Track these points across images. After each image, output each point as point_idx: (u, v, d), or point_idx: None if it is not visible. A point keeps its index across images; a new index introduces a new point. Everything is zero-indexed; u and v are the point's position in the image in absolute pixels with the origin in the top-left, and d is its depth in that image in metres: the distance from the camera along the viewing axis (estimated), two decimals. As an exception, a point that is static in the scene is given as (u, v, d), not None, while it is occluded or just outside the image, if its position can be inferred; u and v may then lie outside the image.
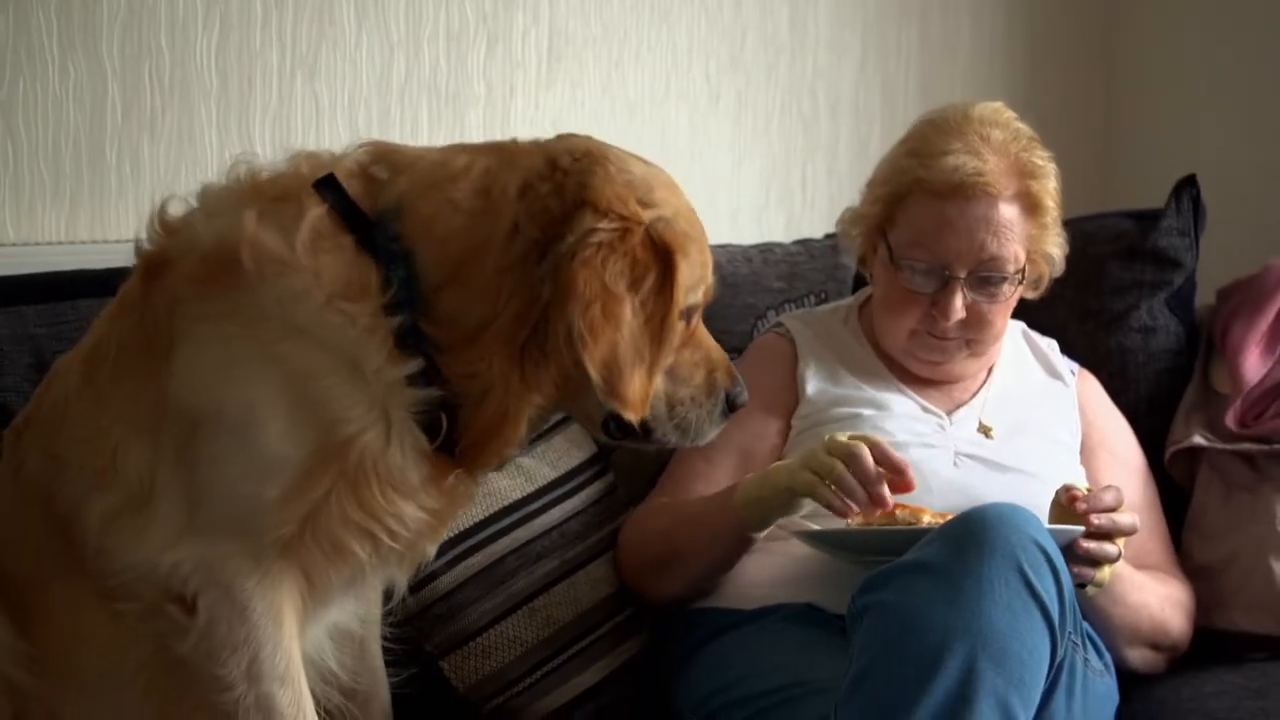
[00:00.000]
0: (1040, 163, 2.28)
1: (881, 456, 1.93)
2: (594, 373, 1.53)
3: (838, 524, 2.02)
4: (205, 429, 1.53)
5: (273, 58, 2.52)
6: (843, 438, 1.95)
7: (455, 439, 1.59)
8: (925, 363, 2.31)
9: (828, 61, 3.39)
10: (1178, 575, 2.28)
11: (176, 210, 1.67)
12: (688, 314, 1.65)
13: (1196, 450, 2.44)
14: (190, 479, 1.54)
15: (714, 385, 1.70)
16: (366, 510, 1.56)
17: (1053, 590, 1.74)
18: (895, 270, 2.27)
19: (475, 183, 1.58)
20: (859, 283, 2.79)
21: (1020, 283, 2.27)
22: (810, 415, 2.26)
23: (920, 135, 2.34)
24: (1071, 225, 2.43)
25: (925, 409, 2.29)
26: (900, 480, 1.94)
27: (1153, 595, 2.15)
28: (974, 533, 1.74)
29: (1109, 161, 3.71)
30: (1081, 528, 1.93)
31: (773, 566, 2.13)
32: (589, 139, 1.72)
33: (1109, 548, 1.95)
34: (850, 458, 1.91)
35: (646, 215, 1.58)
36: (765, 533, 2.09)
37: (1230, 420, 2.41)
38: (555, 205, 1.57)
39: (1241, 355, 2.46)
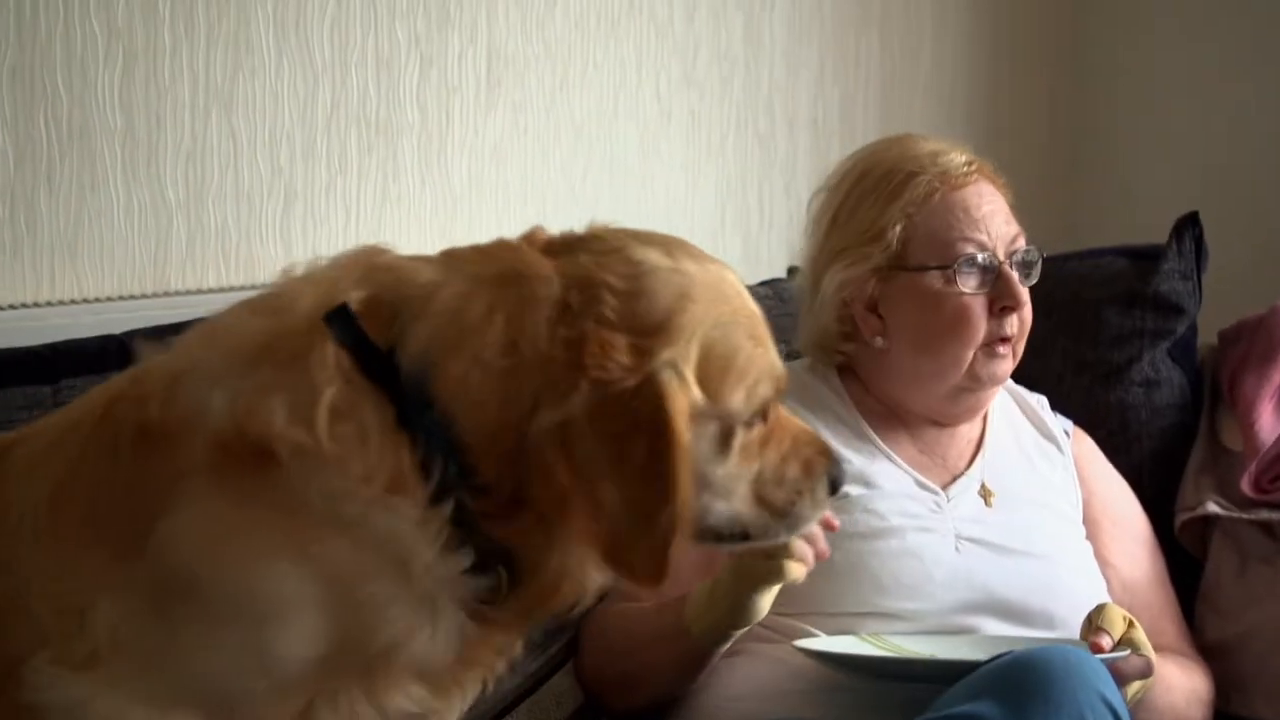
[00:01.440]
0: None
1: None
2: (588, 553, 1.37)
3: (854, 645, 1.81)
4: (205, 605, 1.34)
5: (184, 92, 2.27)
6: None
7: (506, 597, 1.41)
8: (976, 395, 2.11)
9: (784, 75, 3.20)
10: (1194, 659, 2.11)
11: (160, 360, 1.44)
12: (757, 417, 1.46)
13: (1210, 517, 2.25)
14: (164, 644, 1.34)
15: (812, 469, 1.52)
16: (379, 706, 1.38)
17: (1119, 750, 1.54)
18: (945, 283, 2.05)
19: (501, 334, 1.37)
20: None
21: None
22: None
23: (884, 177, 2.14)
24: (1058, 263, 2.25)
25: (920, 484, 2.07)
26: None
27: (1179, 695, 1.98)
28: (1035, 685, 1.55)
29: (1077, 178, 3.54)
30: (1127, 652, 1.74)
31: (758, 677, 1.91)
32: (617, 235, 1.48)
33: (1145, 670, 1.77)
34: None
35: (644, 370, 1.35)
36: (728, 645, 1.89)
37: (1245, 485, 2.23)
38: (557, 361, 1.36)
39: (1255, 413, 2.28)
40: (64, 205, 2.14)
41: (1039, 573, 2.00)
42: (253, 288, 2.35)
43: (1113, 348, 2.43)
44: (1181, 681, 1.99)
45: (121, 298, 2.24)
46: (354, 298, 1.40)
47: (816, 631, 1.91)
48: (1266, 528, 2.22)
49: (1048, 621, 1.96)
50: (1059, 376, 2.39)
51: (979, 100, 3.56)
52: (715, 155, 3.09)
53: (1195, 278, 2.45)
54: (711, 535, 1.48)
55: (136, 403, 1.39)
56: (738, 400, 1.42)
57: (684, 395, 1.36)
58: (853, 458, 2.07)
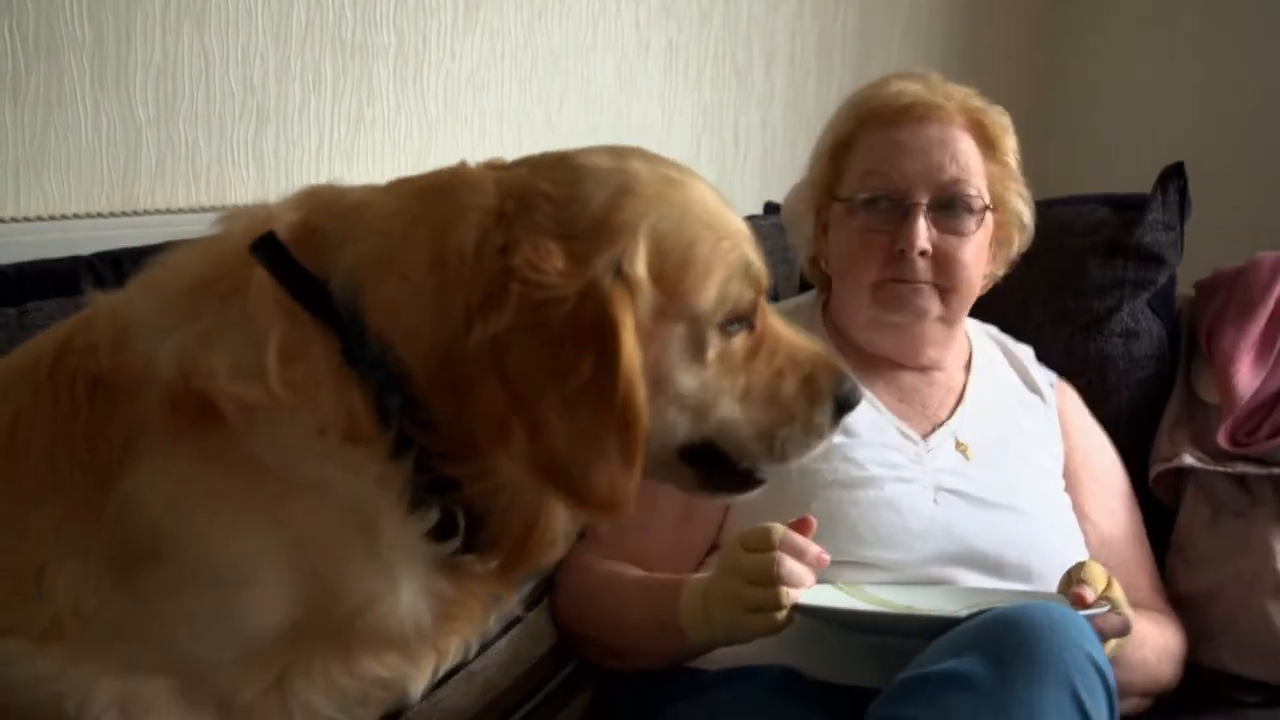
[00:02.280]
0: (988, 106, 2.16)
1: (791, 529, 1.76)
2: (521, 477, 1.24)
3: (831, 595, 1.79)
4: (171, 571, 1.26)
5: (155, 6, 2.19)
6: (742, 553, 1.74)
7: (483, 550, 1.32)
8: (896, 328, 2.09)
9: (763, 10, 3.16)
10: (1167, 614, 2.11)
11: (107, 306, 1.35)
12: (730, 324, 1.33)
13: (1183, 469, 2.25)
14: (131, 613, 1.27)
15: (815, 391, 1.38)
16: (354, 674, 1.31)
17: (1105, 715, 1.53)
18: (849, 216, 2.08)
19: (426, 249, 1.26)
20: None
21: (985, 220, 2.08)
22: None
23: (855, 92, 2.22)
24: (1040, 209, 2.23)
25: (901, 432, 2.05)
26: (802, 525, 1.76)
27: (1150, 651, 1.97)
28: (1021, 643, 1.52)
29: (1052, 124, 3.51)
30: (1107, 607, 1.73)
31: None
32: (557, 155, 1.38)
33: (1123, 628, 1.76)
34: (779, 549, 1.72)
35: (583, 276, 1.23)
36: None
37: (1221, 438, 2.22)
38: (489, 270, 1.24)
39: (1233, 366, 2.26)
40: (29, 119, 2.07)
41: (1017, 526, 1.99)
42: (223, 208, 2.31)
43: (1093, 297, 2.42)
44: (1154, 638, 1.99)
45: (89, 215, 2.17)
46: (284, 224, 1.30)
47: (793, 579, 1.88)
48: (1240, 481, 2.22)
49: (1024, 575, 1.95)
50: (1039, 324, 2.37)
51: (956, 42, 3.52)
52: (692, 87, 3.04)
53: (1178, 228, 2.44)
54: (687, 457, 1.35)
55: (89, 351, 1.31)
56: (706, 299, 1.29)
57: (629, 298, 1.24)
58: (832, 403, 2.06)
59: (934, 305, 2.07)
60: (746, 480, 1.40)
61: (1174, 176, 2.44)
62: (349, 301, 1.25)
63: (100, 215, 2.18)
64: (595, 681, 2.00)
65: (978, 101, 2.13)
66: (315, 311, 1.26)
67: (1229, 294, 2.40)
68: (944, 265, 2.05)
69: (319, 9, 2.40)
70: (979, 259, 2.08)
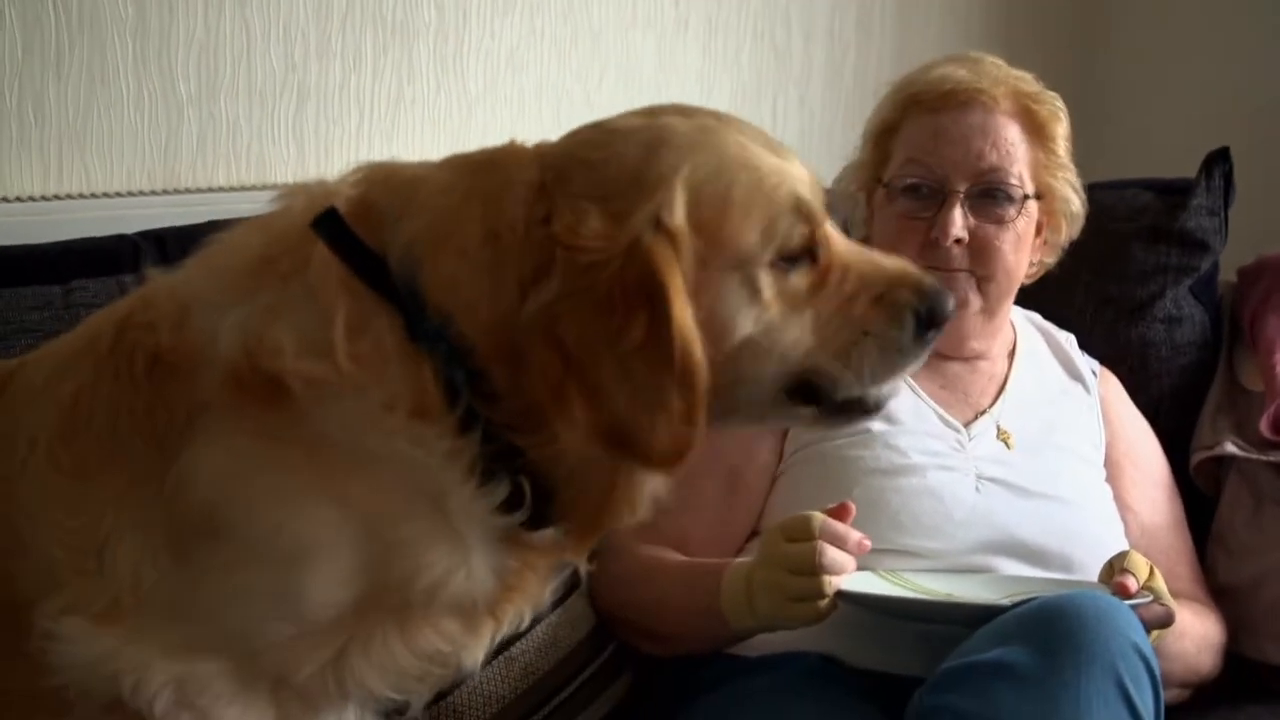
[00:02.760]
0: (1044, 96, 2.13)
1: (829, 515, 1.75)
2: (582, 444, 1.24)
3: (873, 582, 1.79)
4: (232, 548, 1.26)
5: (198, -17, 2.19)
6: (783, 542, 1.73)
7: (556, 518, 1.32)
8: None
9: (803, -15, 3.12)
10: (1208, 604, 2.09)
11: (166, 285, 1.35)
12: (784, 261, 1.30)
13: (1224, 457, 2.23)
14: (189, 591, 1.27)
15: (892, 307, 1.34)
16: (414, 650, 1.31)
17: (1150, 705, 1.52)
18: (890, 201, 2.08)
19: (480, 223, 1.26)
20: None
21: (1024, 210, 2.06)
22: (809, 430, 1.98)
23: (905, 74, 2.20)
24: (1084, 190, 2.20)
25: (943, 420, 2.04)
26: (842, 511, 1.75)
27: (1191, 642, 1.96)
28: (1067, 633, 1.52)
29: (1096, 105, 3.48)
30: (1150, 598, 1.72)
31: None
32: (593, 123, 1.37)
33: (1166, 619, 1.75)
34: (820, 538, 1.70)
35: (623, 235, 1.22)
36: None
37: (1264, 426, 2.20)
38: (536, 242, 1.25)
39: (1276, 354, 2.25)
40: (72, 96, 2.08)
41: (1058, 515, 1.98)
42: (264, 187, 2.32)
43: (1137, 283, 2.40)
44: (1195, 628, 1.98)
45: (130, 193, 2.18)
46: (343, 200, 1.30)
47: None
48: (1283, 470, 2.20)
49: (1065, 564, 1.94)
50: (1081, 310, 2.35)
51: (997, 19, 3.49)
52: (731, 66, 3.02)
53: (1222, 214, 2.42)
54: (796, 396, 1.33)
55: (148, 329, 1.31)
56: (749, 240, 1.27)
57: (673, 250, 1.23)
58: (875, 390, 2.05)
59: (972, 295, 2.06)
60: (857, 407, 1.36)
61: (1219, 161, 2.42)
62: (408, 277, 1.26)
63: (142, 194, 2.18)
64: (634, 666, 2.00)
65: (1029, 87, 2.11)
66: (377, 287, 1.26)
67: (1273, 280, 2.38)
68: (981, 253, 2.04)
69: (360, -14, 2.40)
70: (1020, 247, 2.07)
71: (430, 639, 1.31)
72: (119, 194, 2.16)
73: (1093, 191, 2.30)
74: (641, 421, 1.22)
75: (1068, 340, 2.24)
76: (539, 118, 2.69)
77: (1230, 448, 2.22)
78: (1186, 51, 3.43)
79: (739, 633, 1.84)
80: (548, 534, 1.31)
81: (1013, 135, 2.06)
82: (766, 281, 1.28)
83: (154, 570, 1.27)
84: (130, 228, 2.02)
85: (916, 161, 2.06)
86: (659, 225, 1.23)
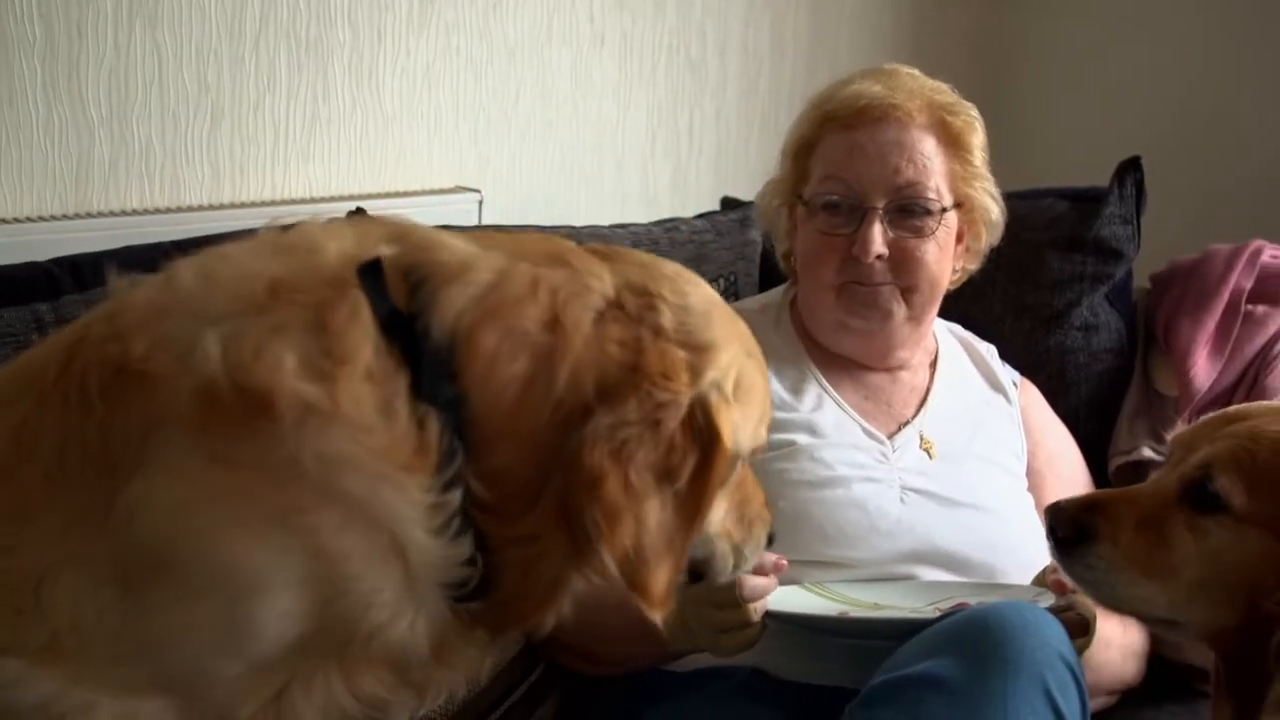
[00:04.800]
0: (959, 106, 2.13)
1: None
2: (612, 567, 1.29)
3: (799, 596, 1.79)
4: (183, 580, 1.23)
5: (106, 3, 2.17)
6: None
7: (489, 598, 1.34)
8: (861, 334, 2.09)
9: (716, -1, 3.13)
10: (1130, 610, 2.11)
11: (141, 295, 1.32)
12: (750, 457, 1.45)
13: (1142, 461, 2.26)
14: (135, 625, 1.24)
15: (760, 512, 1.52)
16: (356, 693, 1.31)
17: (1077, 711, 1.54)
18: (810, 217, 2.09)
19: (545, 311, 1.31)
20: (765, 260, 2.55)
21: (944, 221, 2.06)
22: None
23: (826, 87, 2.20)
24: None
25: (867, 432, 2.05)
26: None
27: (1116, 651, 1.98)
28: (994, 644, 1.53)
29: (1000, 115, 3.52)
30: (1068, 599, 1.74)
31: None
32: (650, 257, 1.45)
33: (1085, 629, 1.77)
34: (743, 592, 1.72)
35: (696, 388, 1.32)
36: None
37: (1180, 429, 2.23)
38: (613, 360, 1.31)
39: (1190, 358, 2.28)
40: (-20, 120, 2.05)
41: (981, 525, 1.99)
42: (178, 209, 2.30)
43: (1053, 292, 2.42)
44: (1119, 637, 2.00)
45: (41, 218, 2.15)
46: (385, 254, 1.32)
47: (761, 580, 1.88)
48: (1198, 474, 2.23)
49: (988, 573, 1.95)
50: (999, 319, 2.37)
51: (907, 33, 3.52)
52: (647, 81, 3.03)
53: (1135, 222, 2.45)
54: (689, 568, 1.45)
55: (113, 340, 1.27)
56: (756, 436, 1.42)
57: (730, 418, 1.33)
58: (799, 404, 2.06)
59: (896, 305, 2.07)
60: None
61: (1130, 170, 2.45)
62: (446, 342, 1.27)
63: (53, 218, 2.15)
64: (563, 686, 1.99)
65: (945, 98, 2.12)
66: (399, 344, 1.27)
67: (1185, 286, 2.42)
68: (903, 266, 2.05)
69: (273, 5, 2.38)
70: (942, 256, 2.08)
71: (371, 684, 1.31)
72: (29, 219, 2.13)
73: (1008, 201, 2.32)
74: (662, 561, 1.31)
75: (989, 351, 2.26)
76: (456, 135, 2.68)
77: (1147, 452, 2.25)
78: (1097, 63, 3.47)
79: (681, 652, 1.84)
80: (472, 607, 1.33)
81: (928, 148, 2.07)
82: (738, 472, 1.43)
83: (96, 605, 1.23)
84: (42, 254, 1.98)
85: (834, 179, 2.06)
86: (719, 388, 1.34)
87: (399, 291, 1.29)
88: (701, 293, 1.41)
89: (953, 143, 2.10)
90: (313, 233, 1.35)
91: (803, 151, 2.14)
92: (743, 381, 1.38)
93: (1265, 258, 2.41)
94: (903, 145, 2.05)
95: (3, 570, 1.24)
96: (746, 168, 3.20)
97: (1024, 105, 3.53)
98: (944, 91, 2.14)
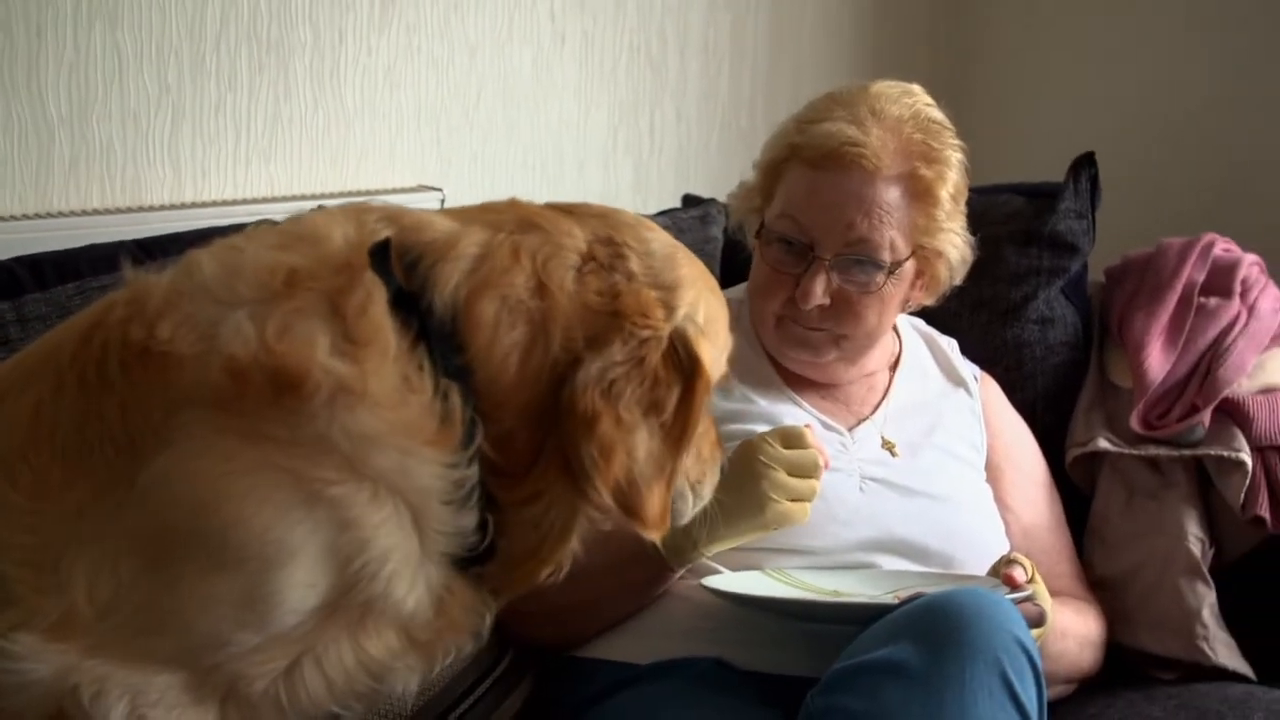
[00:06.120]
0: (937, 147, 2.05)
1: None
2: (607, 497, 1.38)
3: (760, 581, 1.81)
4: (200, 553, 1.26)
5: (66, 3, 2.18)
6: (780, 449, 1.84)
7: (494, 560, 1.42)
8: (794, 360, 2.12)
9: (677, -2, 3.15)
10: (1089, 601, 2.14)
11: (160, 282, 1.35)
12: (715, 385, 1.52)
13: (1098, 453, 2.29)
14: (156, 599, 1.26)
15: (715, 457, 1.61)
16: (363, 661, 1.36)
17: (1034, 696, 1.56)
18: (765, 245, 2.09)
19: (531, 277, 1.40)
20: (727, 256, 2.57)
21: (894, 275, 2.03)
22: None
23: (811, 104, 2.15)
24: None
25: (826, 425, 2.08)
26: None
27: (1073, 641, 2.01)
28: (952, 629, 1.55)
29: (964, 109, 3.55)
30: (1029, 591, 1.77)
31: (672, 614, 1.90)
32: (603, 208, 1.53)
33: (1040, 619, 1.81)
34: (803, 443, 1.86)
35: (671, 321, 1.43)
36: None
37: (1134, 421, 2.26)
38: (595, 311, 1.40)
39: (1144, 352, 2.31)
40: (-60, 121, 2.05)
41: (940, 514, 2.02)
42: (139, 209, 2.30)
43: (1010, 286, 2.45)
44: (1077, 627, 2.03)
45: (1, 218, 2.15)
46: (380, 237, 1.39)
47: (721, 568, 1.90)
48: (1153, 463, 2.26)
49: (946, 562, 1.98)
50: (956, 313, 2.38)
51: (866, 32, 3.54)
52: (608, 80, 3.05)
53: (1090, 217, 2.48)
54: None
55: (136, 323, 1.30)
56: (719, 365, 1.49)
57: (708, 345, 1.44)
58: (760, 399, 2.08)
59: (830, 349, 2.09)
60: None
61: (1085, 165, 2.48)
62: (448, 318, 1.35)
63: (13, 218, 2.15)
64: (530, 677, 2.00)
65: (925, 138, 2.04)
66: (413, 322, 1.34)
67: (1139, 280, 2.45)
68: (843, 316, 2.04)
69: (234, 5, 2.39)
70: (885, 310, 2.06)
71: (378, 649, 1.35)
72: (-11, 219, 2.13)
73: (963, 195, 2.34)
74: (653, 486, 1.40)
75: (950, 345, 2.29)
76: (418, 134, 2.69)
77: (1103, 444, 2.28)
78: (1052, 61, 3.51)
79: (672, 566, 1.87)
80: (476, 570, 1.40)
81: (891, 200, 2.00)
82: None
83: (115, 580, 1.26)
84: (3, 253, 1.99)
85: (789, 218, 2.04)
86: (694, 320, 1.44)
87: (398, 272, 1.36)
88: (662, 237, 1.51)
89: (920, 196, 2.03)
90: (316, 222, 1.40)
91: (771, 172, 2.12)
92: (709, 314, 1.47)
93: (1217, 251, 2.44)
94: (862, 199, 1.99)
95: (21, 548, 1.27)
96: (707, 166, 3.23)
97: (981, 102, 3.55)
98: (927, 126, 2.06)
